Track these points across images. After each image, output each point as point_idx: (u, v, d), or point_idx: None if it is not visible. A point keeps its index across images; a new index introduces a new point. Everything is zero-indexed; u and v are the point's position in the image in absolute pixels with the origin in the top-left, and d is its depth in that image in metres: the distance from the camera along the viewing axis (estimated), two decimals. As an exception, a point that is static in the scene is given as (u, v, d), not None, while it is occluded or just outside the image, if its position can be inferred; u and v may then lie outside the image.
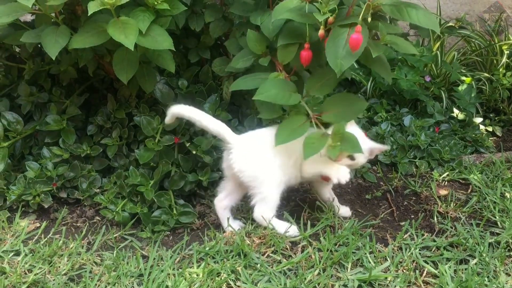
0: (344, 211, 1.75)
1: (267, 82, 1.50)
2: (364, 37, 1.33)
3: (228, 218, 1.66)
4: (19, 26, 1.71)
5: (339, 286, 1.41)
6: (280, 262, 1.51)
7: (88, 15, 1.41)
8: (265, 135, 1.60)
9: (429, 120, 2.24)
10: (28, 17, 1.83)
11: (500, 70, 2.53)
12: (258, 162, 1.58)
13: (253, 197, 1.61)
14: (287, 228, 1.59)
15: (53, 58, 1.48)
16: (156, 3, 1.53)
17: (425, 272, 1.48)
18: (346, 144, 1.44)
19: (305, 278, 1.43)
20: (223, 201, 1.69)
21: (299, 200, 1.82)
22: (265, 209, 1.59)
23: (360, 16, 1.33)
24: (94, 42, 1.50)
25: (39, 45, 1.90)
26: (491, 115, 2.52)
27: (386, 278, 1.44)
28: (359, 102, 1.58)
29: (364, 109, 1.55)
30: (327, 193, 1.75)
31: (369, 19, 1.35)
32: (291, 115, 1.53)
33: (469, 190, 1.92)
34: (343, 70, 1.36)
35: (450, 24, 2.63)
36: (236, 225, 1.66)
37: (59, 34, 1.52)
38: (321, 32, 1.43)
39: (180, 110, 1.63)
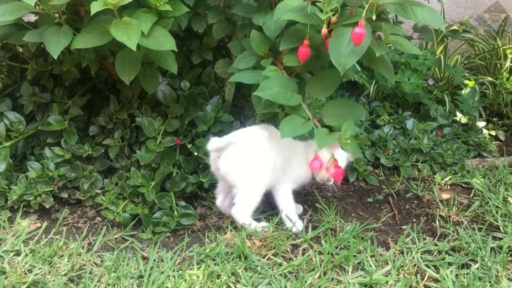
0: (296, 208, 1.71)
1: (270, 79, 1.49)
2: (368, 34, 1.32)
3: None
4: (22, 26, 1.71)
5: (339, 289, 1.41)
6: (280, 264, 1.50)
7: (91, 15, 1.41)
8: (251, 136, 1.63)
9: (432, 124, 2.23)
10: (32, 17, 1.83)
11: (504, 74, 2.52)
12: (243, 164, 1.60)
13: (235, 195, 1.62)
14: (260, 226, 1.62)
15: (55, 58, 1.49)
16: (158, 4, 1.53)
17: (426, 276, 1.47)
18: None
19: (305, 281, 1.43)
20: (225, 202, 1.70)
21: (301, 202, 1.81)
22: (244, 208, 1.61)
23: (363, 14, 1.33)
24: (96, 42, 1.49)
25: (42, 45, 1.91)
26: (494, 119, 2.51)
27: (387, 282, 1.44)
28: (359, 109, 1.60)
29: (363, 116, 1.57)
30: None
31: (374, 17, 1.34)
32: (291, 115, 1.51)
33: (472, 195, 1.91)
34: (346, 69, 1.36)
35: (454, 27, 2.62)
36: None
37: (61, 34, 1.52)
38: (324, 30, 1.42)
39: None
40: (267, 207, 1.79)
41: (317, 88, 1.55)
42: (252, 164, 1.59)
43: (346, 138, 1.43)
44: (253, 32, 1.62)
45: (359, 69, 2.46)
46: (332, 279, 1.45)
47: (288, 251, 1.56)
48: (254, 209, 1.63)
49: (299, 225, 1.65)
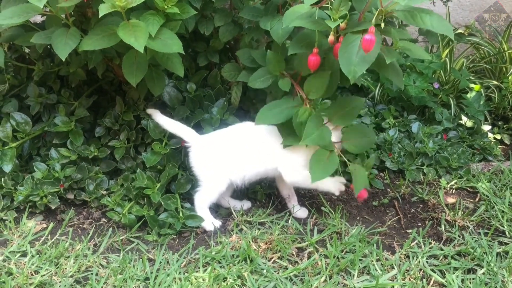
0: (301, 212, 1.78)
1: (310, 125, 1.53)
2: (377, 40, 1.32)
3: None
4: (29, 27, 1.72)
5: (345, 293, 1.41)
6: (286, 268, 1.50)
7: (99, 17, 1.41)
8: (222, 135, 1.73)
9: (437, 127, 2.22)
10: (38, 18, 1.84)
11: (509, 77, 2.52)
12: (206, 161, 1.72)
13: (199, 185, 1.74)
14: (206, 222, 1.71)
15: (63, 60, 1.49)
16: (166, 6, 1.53)
17: (432, 281, 1.47)
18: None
19: (311, 285, 1.43)
20: (225, 193, 1.79)
21: (306, 205, 1.81)
22: (202, 199, 1.73)
23: (373, 21, 1.32)
24: (104, 44, 1.49)
25: (48, 47, 1.92)
26: (499, 123, 2.50)
27: (393, 286, 1.44)
28: (370, 133, 1.69)
29: (374, 142, 1.79)
30: (286, 189, 1.80)
31: (382, 25, 1.34)
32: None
33: (477, 199, 1.91)
34: (357, 77, 1.36)
35: (459, 31, 2.61)
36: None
37: (69, 36, 1.52)
38: (331, 38, 1.43)
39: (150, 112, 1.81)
40: (273, 211, 1.80)
41: (338, 115, 1.61)
42: (215, 161, 1.72)
43: (369, 168, 1.63)
44: (268, 52, 1.63)
45: (364, 72, 2.45)
46: (338, 283, 1.45)
47: (293, 254, 1.56)
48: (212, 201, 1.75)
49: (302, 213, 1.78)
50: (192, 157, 1.74)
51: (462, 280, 1.47)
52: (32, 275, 1.48)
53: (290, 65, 1.64)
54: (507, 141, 2.40)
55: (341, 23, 1.38)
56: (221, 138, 1.74)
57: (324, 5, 1.42)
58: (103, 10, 1.40)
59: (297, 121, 1.55)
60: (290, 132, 1.60)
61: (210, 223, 1.71)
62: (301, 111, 1.55)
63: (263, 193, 1.87)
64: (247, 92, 1.99)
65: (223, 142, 1.72)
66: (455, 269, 1.52)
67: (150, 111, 1.82)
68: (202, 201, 1.73)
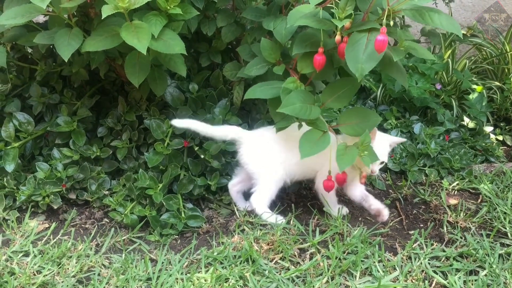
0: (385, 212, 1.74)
1: (292, 94, 1.48)
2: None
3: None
4: (32, 27, 1.72)
5: (347, 294, 1.41)
6: (288, 269, 1.50)
7: (102, 18, 1.41)
8: (273, 132, 1.68)
9: (439, 128, 2.22)
10: (41, 18, 1.84)
11: (512, 79, 2.51)
12: (262, 157, 1.71)
13: (254, 185, 1.73)
14: (275, 219, 1.69)
15: (66, 60, 1.49)
16: (169, 7, 1.53)
17: (434, 282, 1.47)
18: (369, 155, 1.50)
19: (313, 286, 1.43)
20: (237, 186, 1.81)
21: (309, 206, 1.81)
22: (260, 199, 1.71)
23: (384, 20, 1.32)
24: (107, 45, 1.50)
25: (51, 47, 1.92)
26: (501, 124, 2.49)
27: (395, 287, 1.43)
28: (374, 116, 1.58)
29: (378, 123, 1.59)
30: (358, 191, 1.77)
31: (391, 23, 1.34)
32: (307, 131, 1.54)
33: (479, 200, 1.90)
34: (364, 75, 1.35)
35: (462, 31, 2.61)
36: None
37: (72, 37, 1.52)
38: (337, 37, 1.42)
39: (185, 124, 1.72)
40: (275, 212, 1.79)
41: (332, 97, 1.55)
42: (271, 158, 1.70)
43: (364, 149, 1.44)
44: (262, 40, 1.62)
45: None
46: (340, 284, 1.44)
47: (295, 255, 1.56)
48: (271, 199, 1.73)
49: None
50: (245, 154, 1.73)
51: (464, 281, 1.47)
52: (34, 275, 1.48)
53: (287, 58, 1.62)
54: (509, 143, 2.40)
55: (346, 22, 1.38)
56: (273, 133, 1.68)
57: (328, 5, 1.42)
58: (106, 11, 1.40)
59: (283, 87, 1.51)
60: (281, 115, 1.54)
61: (276, 220, 1.69)
62: (289, 79, 1.52)
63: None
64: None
65: (277, 137, 1.68)
66: (457, 270, 1.51)
67: (179, 122, 1.72)
68: (261, 200, 1.71)
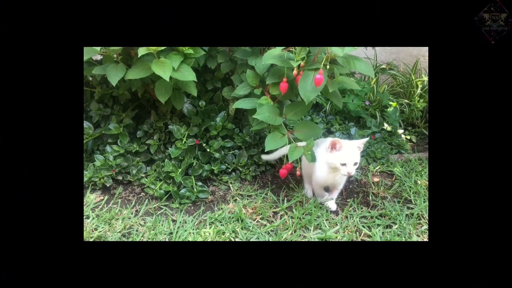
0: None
1: (264, 107, 1.48)
2: (325, 77, 1.32)
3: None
4: (91, 62, 1.70)
5: (305, 242, 1.41)
6: (265, 225, 1.51)
7: (138, 56, 1.40)
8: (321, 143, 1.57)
9: (368, 131, 2.24)
10: (98, 57, 1.82)
11: (416, 98, 2.53)
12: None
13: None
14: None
15: (114, 85, 1.48)
16: (184, 49, 1.52)
17: (362, 233, 1.48)
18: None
19: (282, 237, 1.43)
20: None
21: (280, 183, 1.81)
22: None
23: (322, 63, 1.33)
24: (142, 75, 1.48)
25: (104, 76, 1.89)
26: (409, 128, 2.52)
27: (336, 237, 1.44)
28: (317, 128, 1.58)
29: (320, 134, 1.59)
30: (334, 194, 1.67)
31: (328, 66, 1.34)
32: (273, 130, 1.53)
33: (394, 178, 1.92)
34: (310, 100, 1.36)
35: (383, 66, 2.63)
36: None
37: (118, 69, 1.51)
38: (294, 72, 1.43)
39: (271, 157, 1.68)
40: (258, 187, 1.79)
41: (292, 112, 1.56)
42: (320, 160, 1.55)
43: (308, 149, 1.44)
44: (248, 71, 1.62)
45: (319, 94, 2.45)
46: (300, 235, 1.45)
47: (270, 216, 1.56)
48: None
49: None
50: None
51: (383, 233, 1.49)
52: (92, 231, 1.47)
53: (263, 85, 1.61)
54: (414, 140, 2.42)
55: (301, 62, 1.39)
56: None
57: (290, 49, 1.42)
58: (141, 52, 1.39)
59: (258, 102, 1.51)
60: (256, 120, 1.54)
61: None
62: (263, 98, 1.52)
63: (251, 175, 1.87)
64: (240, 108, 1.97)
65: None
66: (378, 225, 1.53)
67: (266, 157, 1.71)
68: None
